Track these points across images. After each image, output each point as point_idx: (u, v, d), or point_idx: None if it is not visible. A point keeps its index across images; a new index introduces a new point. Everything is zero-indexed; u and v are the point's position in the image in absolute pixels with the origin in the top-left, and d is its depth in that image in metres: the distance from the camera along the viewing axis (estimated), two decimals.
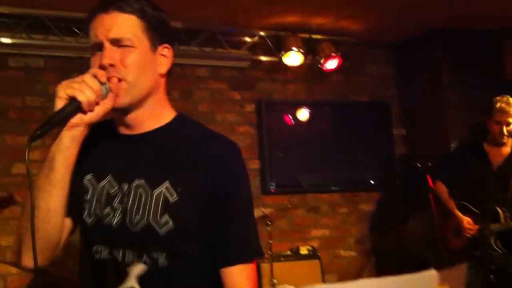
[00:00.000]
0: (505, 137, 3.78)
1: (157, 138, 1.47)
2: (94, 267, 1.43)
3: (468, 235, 3.72)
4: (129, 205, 1.41)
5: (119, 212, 1.41)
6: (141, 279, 1.35)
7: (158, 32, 1.45)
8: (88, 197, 1.45)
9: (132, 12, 1.40)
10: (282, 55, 4.88)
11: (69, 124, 1.30)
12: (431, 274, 1.56)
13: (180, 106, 4.93)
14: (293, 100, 5.30)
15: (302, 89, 5.39)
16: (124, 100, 1.39)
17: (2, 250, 4.06)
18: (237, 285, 1.42)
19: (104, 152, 1.49)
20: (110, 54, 1.37)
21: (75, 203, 1.42)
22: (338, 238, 5.34)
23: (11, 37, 4.17)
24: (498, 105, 3.78)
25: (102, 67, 1.35)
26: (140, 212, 1.40)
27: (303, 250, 4.77)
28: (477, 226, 3.71)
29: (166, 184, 1.40)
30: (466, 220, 3.75)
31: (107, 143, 1.50)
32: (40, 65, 4.43)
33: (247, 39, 4.95)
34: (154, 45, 1.44)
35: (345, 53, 5.17)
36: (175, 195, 1.39)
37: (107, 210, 1.43)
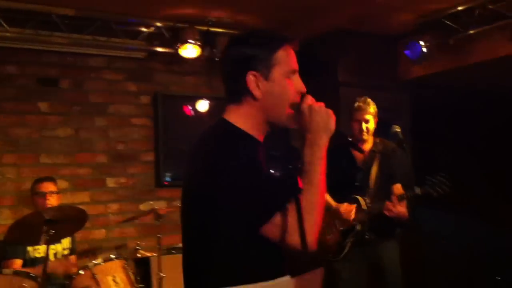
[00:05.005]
0: (364, 134, 3.78)
1: None
2: None
3: (351, 218, 3.65)
4: None
5: None
6: None
7: None
8: None
9: None
10: (179, 47, 4.82)
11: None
12: (286, 281, 1.60)
13: (70, 96, 4.78)
14: (192, 93, 5.24)
15: (201, 82, 5.35)
16: None
17: None
18: None
19: None
20: None
21: None
22: None
23: None
24: (356, 104, 3.82)
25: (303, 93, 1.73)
26: None
27: None
28: (354, 206, 3.68)
29: None
30: (343, 206, 3.68)
31: None
32: None
33: (143, 29, 4.83)
34: None
35: None
36: None
37: None
